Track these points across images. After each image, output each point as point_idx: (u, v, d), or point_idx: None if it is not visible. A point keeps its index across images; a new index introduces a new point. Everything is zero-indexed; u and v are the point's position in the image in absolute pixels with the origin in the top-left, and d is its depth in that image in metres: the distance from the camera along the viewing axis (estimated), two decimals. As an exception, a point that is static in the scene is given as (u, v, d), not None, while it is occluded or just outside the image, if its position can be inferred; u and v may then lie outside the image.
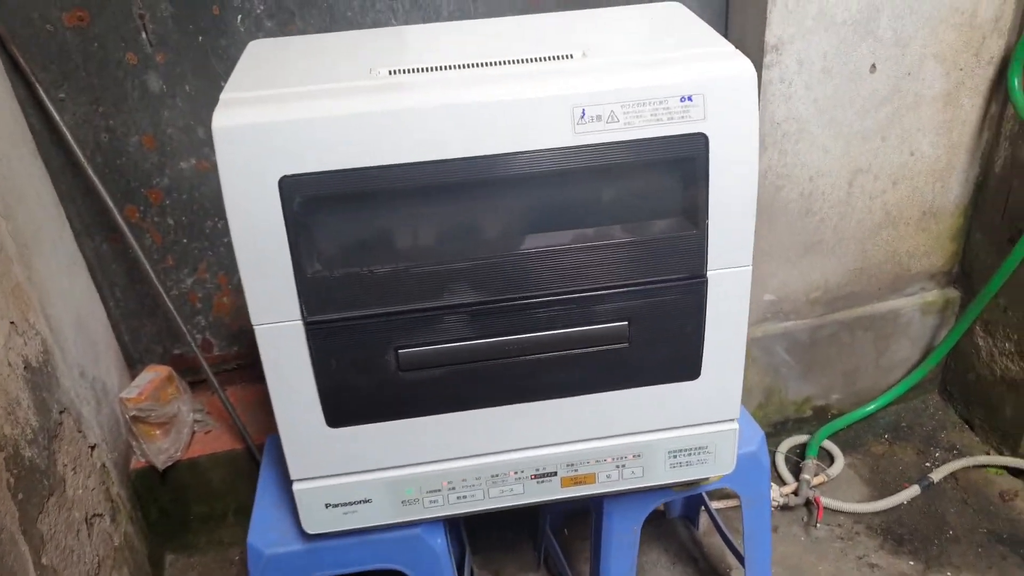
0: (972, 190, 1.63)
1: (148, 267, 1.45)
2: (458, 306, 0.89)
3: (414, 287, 0.87)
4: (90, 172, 1.37)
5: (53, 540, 1.14)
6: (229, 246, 1.55)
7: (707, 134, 0.82)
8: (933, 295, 1.74)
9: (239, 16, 1.35)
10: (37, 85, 1.30)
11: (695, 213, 0.86)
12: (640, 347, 0.92)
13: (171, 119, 1.40)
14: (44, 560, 1.11)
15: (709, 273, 0.89)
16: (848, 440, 1.77)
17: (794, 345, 1.70)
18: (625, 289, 0.89)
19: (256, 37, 1.37)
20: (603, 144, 0.82)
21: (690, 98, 0.80)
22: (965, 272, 1.72)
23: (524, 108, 0.81)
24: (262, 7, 1.35)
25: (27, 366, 1.16)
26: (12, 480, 1.06)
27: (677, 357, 0.94)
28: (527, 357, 0.92)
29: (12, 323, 1.14)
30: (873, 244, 1.64)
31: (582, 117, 0.81)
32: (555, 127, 0.81)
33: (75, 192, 1.42)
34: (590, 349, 0.92)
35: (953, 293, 1.75)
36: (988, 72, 1.49)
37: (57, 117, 1.33)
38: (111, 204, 1.39)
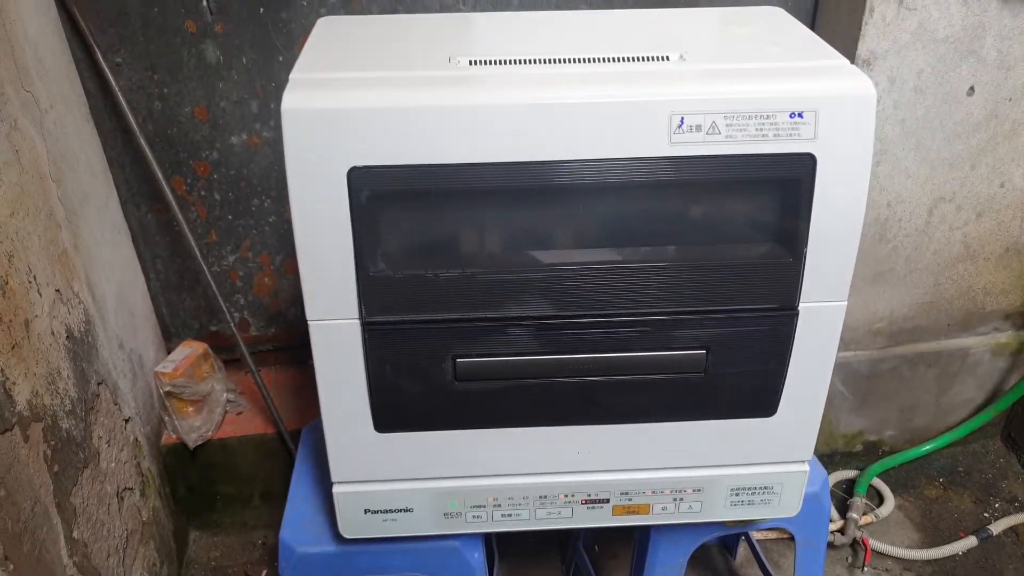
0: (1063, 229, 1.53)
1: (192, 241, 1.41)
2: (525, 319, 0.83)
3: (480, 295, 0.81)
4: (141, 140, 1.33)
5: (85, 513, 1.12)
6: (274, 226, 1.52)
7: (815, 155, 0.75)
8: (1007, 336, 1.64)
9: (304, -10, 1.29)
10: (95, 48, 1.26)
11: (793, 240, 0.78)
12: (716, 378, 0.86)
13: (225, 91, 1.35)
14: (75, 534, 1.08)
15: (801, 306, 0.82)
16: (899, 480, 1.68)
17: (851, 376, 1.62)
18: (707, 316, 0.83)
19: (319, 13, 1.32)
20: (700, 157, 0.75)
21: (801, 115, 0.73)
22: (1045, 315, 1.62)
23: (616, 112, 0.74)
24: (328, -18, 1.30)
25: (69, 336, 1.13)
26: (49, 451, 1.03)
27: (754, 391, 0.87)
28: (593, 378, 0.86)
29: (57, 291, 1.10)
30: (947, 278, 1.54)
31: (680, 126, 0.74)
32: (649, 135, 0.74)
33: (124, 159, 1.38)
34: (662, 376, 0.86)
35: (1029, 336, 1.65)
36: (1096, 104, 1.39)
37: (113, 82, 1.29)
38: (159, 174, 1.35)
